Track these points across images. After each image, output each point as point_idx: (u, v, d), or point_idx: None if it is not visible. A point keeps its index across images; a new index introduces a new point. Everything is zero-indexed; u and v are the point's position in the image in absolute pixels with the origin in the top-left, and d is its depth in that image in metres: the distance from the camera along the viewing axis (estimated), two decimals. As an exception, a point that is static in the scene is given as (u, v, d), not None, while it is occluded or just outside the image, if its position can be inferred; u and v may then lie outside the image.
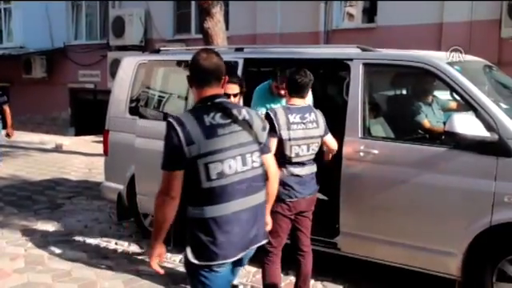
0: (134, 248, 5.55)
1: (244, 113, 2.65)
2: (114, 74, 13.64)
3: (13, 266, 5.01)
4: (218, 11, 8.31)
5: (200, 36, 12.77)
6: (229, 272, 2.68)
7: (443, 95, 4.64)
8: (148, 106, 5.53)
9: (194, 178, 2.49)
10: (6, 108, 8.79)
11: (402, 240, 4.14)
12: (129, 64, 5.95)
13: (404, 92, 4.92)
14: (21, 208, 7.05)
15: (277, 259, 3.89)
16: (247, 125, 2.62)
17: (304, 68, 3.92)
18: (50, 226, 6.25)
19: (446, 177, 3.90)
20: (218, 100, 2.60)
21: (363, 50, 4.46)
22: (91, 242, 5.72)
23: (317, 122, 3.86)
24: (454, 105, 4.57)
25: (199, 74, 2.62)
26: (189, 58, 5.87)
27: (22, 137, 12.63)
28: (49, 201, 7.46)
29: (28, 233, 5.99)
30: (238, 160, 2.55)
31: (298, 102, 3.89)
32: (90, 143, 12.91)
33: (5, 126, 8.83)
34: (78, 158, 10.94)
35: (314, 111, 3.91)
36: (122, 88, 5.90)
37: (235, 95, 4.10)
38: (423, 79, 4.47)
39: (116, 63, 13.70)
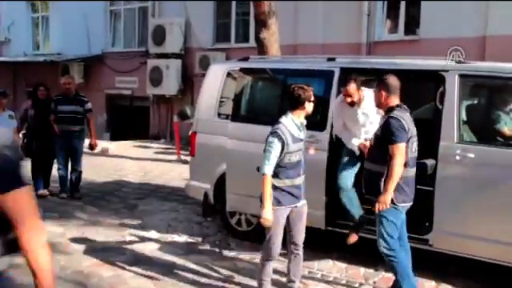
0: (223, 245, 5.88)
1: None
2: (153, 81, 14.17)
3: (119, 259, 5.34)
4: (273, 22, 8.71)
5: (240, 45, 13.44)
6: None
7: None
8: (240, 111, 5.79)
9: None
10: (91, 117, 8.03)
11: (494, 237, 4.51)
12: (217, 71, 6.32)
13: (492, 101, 5.27)
14: (100, 207, 7.40)
15: None
16: None
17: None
18: (135, 225, 6.58)
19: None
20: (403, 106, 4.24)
21: (458, 62, 4.86)
22: (179, 240, 6.06)
23: None
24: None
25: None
26: (278, 66, 6.18)
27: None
28: (122, 201, 7.80)
29: (118, 230, 6.34)
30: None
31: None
32: (132, 148, 13.26)
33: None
34: (127, 162, 11.29)
35: None
36: (210, 93, 6.25)
37: None
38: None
39: (156, 70, 14.12)
